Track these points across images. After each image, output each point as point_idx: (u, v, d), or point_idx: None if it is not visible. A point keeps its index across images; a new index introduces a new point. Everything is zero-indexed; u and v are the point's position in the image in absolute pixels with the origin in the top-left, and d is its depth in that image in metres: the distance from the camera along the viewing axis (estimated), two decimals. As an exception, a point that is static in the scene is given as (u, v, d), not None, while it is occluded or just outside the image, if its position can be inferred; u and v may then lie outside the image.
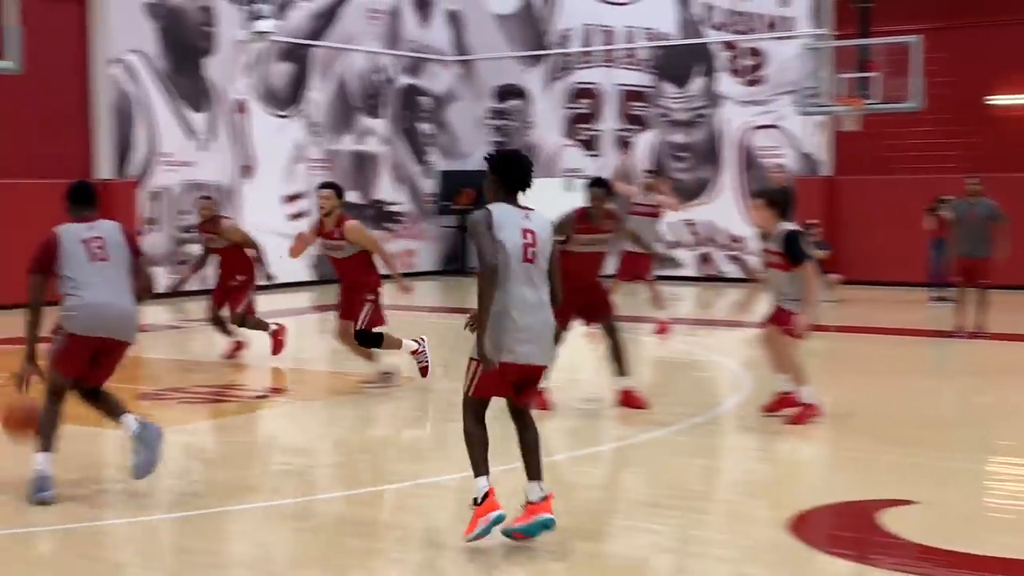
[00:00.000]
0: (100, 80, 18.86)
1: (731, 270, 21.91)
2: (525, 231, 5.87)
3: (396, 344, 10.17)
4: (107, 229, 7.14)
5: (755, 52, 21.72)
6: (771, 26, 21.53)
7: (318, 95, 22.07)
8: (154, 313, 17.50)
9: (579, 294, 9.40)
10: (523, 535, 5.86)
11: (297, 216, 21.56)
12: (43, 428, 6.97)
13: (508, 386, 5.97)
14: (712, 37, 22.03)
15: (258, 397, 10.77)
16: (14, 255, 8.12)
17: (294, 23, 21.54)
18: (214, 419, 9.67)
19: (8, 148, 17.30)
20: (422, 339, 10.03)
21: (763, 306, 9.61)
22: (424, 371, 9.96)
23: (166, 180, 19.56)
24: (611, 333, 9.60)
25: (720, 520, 6.78)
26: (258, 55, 20.88)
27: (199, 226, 12.61)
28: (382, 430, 9.48)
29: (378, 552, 6.06)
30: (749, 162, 21.75)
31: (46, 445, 6.94)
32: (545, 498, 5.91)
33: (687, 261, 21.99)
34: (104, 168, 18.88)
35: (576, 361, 12.57)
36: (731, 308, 10.25)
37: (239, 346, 12.45)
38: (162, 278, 19.35)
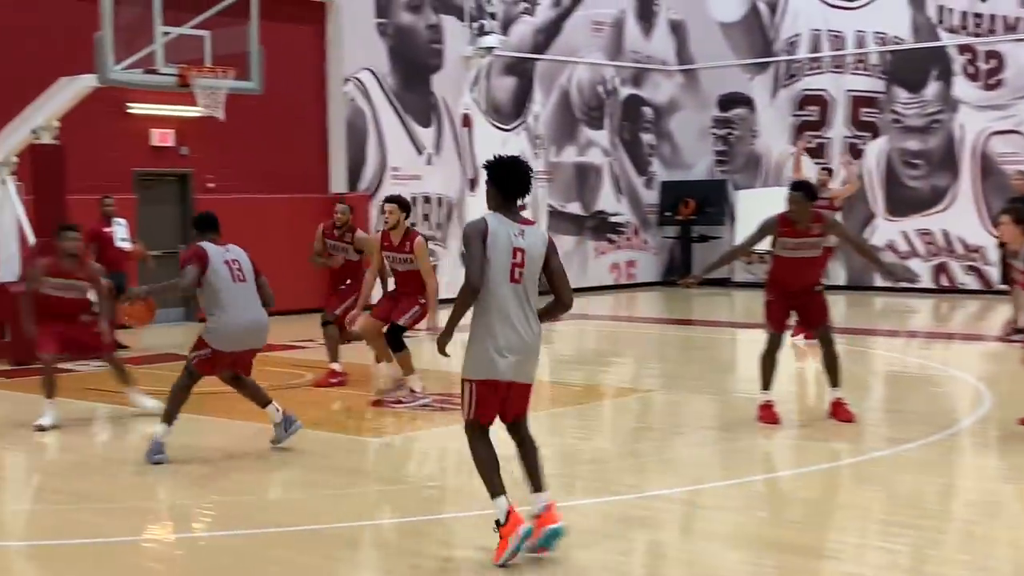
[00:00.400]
0: (335, 98, 19.58)
1: (968, 281, 21.00)
2: (516, 250, 5.84)
3: (409, 368, 10.60)
4: (239, 253, 8.25)
5: (993, 55, 20.79)
6: (1011, 28, 20.57)
7: (541, 108, 22.30)
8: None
9: (792, 299, 9.24)
10: (542, 549, 5.85)
11: (521, 228, 21.78)
12: (170, 403, 8.20)
13: (498, 404, 5.96)
14: (947, 40, 21.21)
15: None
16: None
17: (518, 37, 21.84)
18: (440, 426, 9.87)
19: (250, 164, 18.13)
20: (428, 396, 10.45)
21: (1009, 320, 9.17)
22: (395, 402, 10.38)
23: (396, 193, 20.08)
24: (826, 343, 9.36)
25: (958, 540, 6.50)
26: (483, 70, 21.26)
27: (332, 230, 12.09)
28: (604, 441, 9.47)
29: (601, 564, 6.05)
30: (987, 169, 20.82)
31: (169, 418, 8.17)
32: (548, 507, 5.88)
33: (922, 272, 21.18)
34: (338, 182, 19.57)
35: (805, 373, 12.29)
36: (1001, 326, 9.82)
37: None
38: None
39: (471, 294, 5.80)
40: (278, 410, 8.51)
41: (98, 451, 9.47)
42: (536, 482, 5.99)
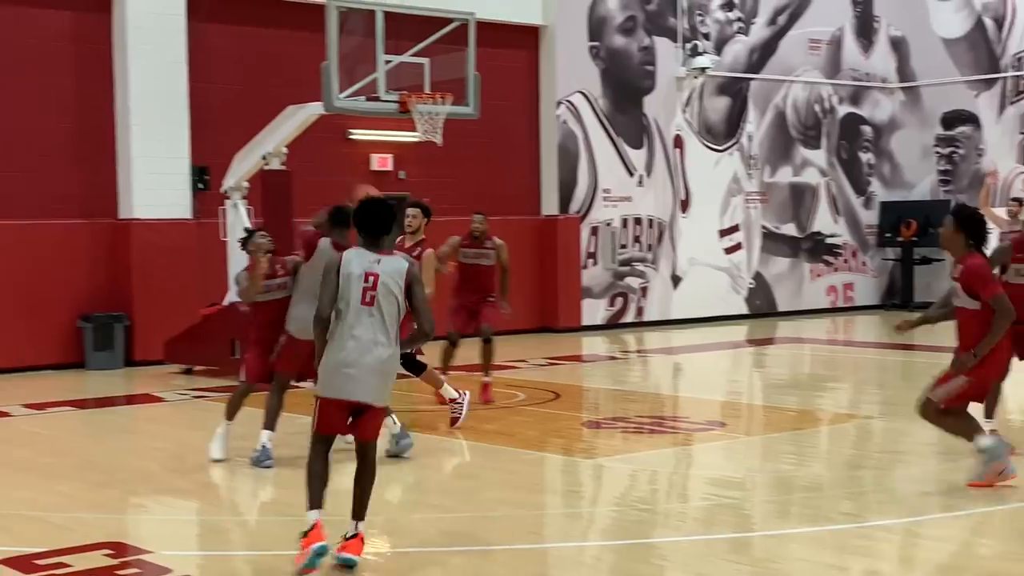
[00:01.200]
0: (547, 121, 19.82)
1: None
2: (368, 274, 6.12)
3: (435, 382, 10.34)
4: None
5: None
6: None
7: (755, 128, 22.03)
8: (593, 344, 18.12)
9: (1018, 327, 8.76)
10: (342, 563, 6.10)
11: (733, 249, 21.59)
12: (269, 412, 8.83)
13: (342, 421, 6.21)
14: None
15: (697, 429, 10.85)
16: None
17: (731, 57, 21.64)
18: (653, 449, 9.84)
19: (465, 187, 18.50)
20: (464, 392, 10.21)
21: None
22: (454, 422, 10.07)
23: (606, 215, 20.19)
24: None
25: None
26: (695, 91, 21.15)
27: (470, 240, 11.91)
28: (820, 468, 9.26)
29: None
30: None
31: (270, 425, 8.87)
32: (356, 536, 6.17)
33: None
34: (550, 204, 19.78)
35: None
36: None
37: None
38: (599, 311, 20.03)
39: (317, 322, 6.20)
40: (395, 422, 8.81)
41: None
42: (357, 509, 6.26)
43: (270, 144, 14.41)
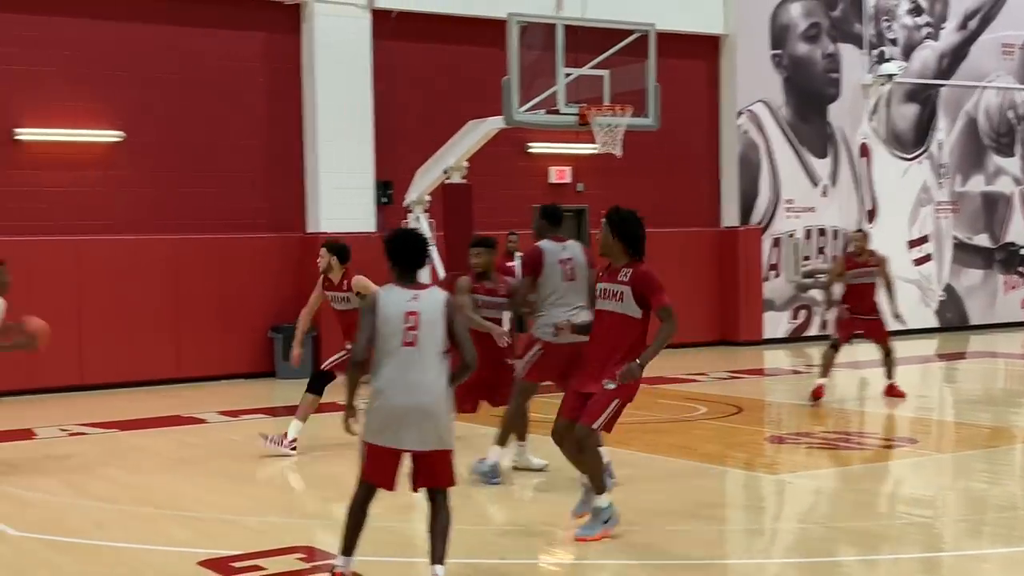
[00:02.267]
0: (728, 131, 19.60)
1: None
2: (408, 314, 5.70)
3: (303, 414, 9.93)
4: (575, 250, 8.35)
5: None
6: None
7: (945, 135, 21.33)
8: (776, 358, 17.81)
9: None
10: None
11: (922, 261, 20.93)
12: (507, 425, 8.40)
13: (390, 470, 5.78)
14: None
15: (885, 445, 10.56)
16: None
17: (920, 63, 21.02)
18: (839, 465, 9.62)
19: (643, 199, 18.33)
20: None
21: None
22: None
23: (788, 226, 19.84)
24: None
25: None
26: (882, 98, 20.61)
27: (854, 258, 12.70)
28: (1016, 486, 8.89)
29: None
30: None
31: (503, 441, 8.54)
32: None
33: None
34: (730, 216, 19.55)
35: None
36: None
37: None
38: (782, 324, 19.68)
39: (353, 367, 5.85)
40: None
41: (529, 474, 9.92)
42: (436, 554, 5.82)
43: (451, 158, 14.66)
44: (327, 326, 15.95)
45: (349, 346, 9.46)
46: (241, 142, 15.98)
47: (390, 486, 5.81)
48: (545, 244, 8.48)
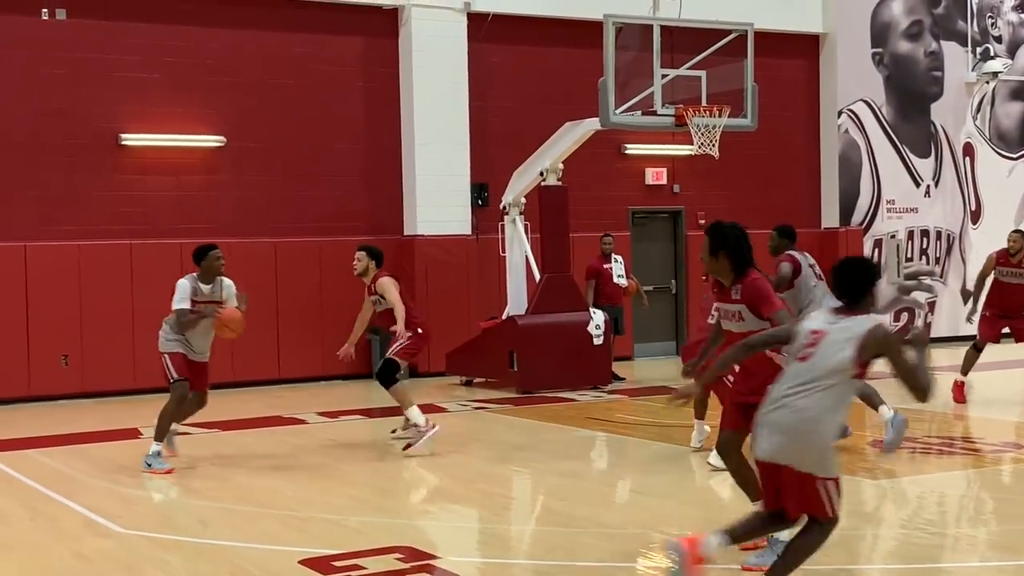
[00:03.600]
0: (828, 131, 19.33)
1: None
2: (812, 331, 5.48)
3: (406, 401, 10.29)
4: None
5: None
6: None
7: (1053, 134, 20.79)
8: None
9: None
10: None
11: None
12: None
13: (768, 486, 5.57)
14: None
15: (992, 450, 10.31)
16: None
17: (1027, 60, 20.53)
18: (944, 471, 9.42)
19: (741, 200, 18.25)
20: (433, 425, 10.23)
21: None
22: (408, 447, 10.13)
23: (890, 227, 19.50)
24: None
25: None
26: (987, 96, 20.16)
27: (1009, 258, 12.48)
28: None
29: None
30: None
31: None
32: None
33: None
34: (830, 216, 19.28)
35: None
36: None
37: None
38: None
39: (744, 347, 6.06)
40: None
41: (594, 476, 9.90)
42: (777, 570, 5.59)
43: (547, 160, 14.67)
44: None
45: (398, 331, 10.10)
46: (340, 146, 16.18)
47: (770, 501, 5.64)
48: (795, 253, 9.99)
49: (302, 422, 12.41)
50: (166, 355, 9.73)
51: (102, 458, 10.37)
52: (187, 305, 9.70)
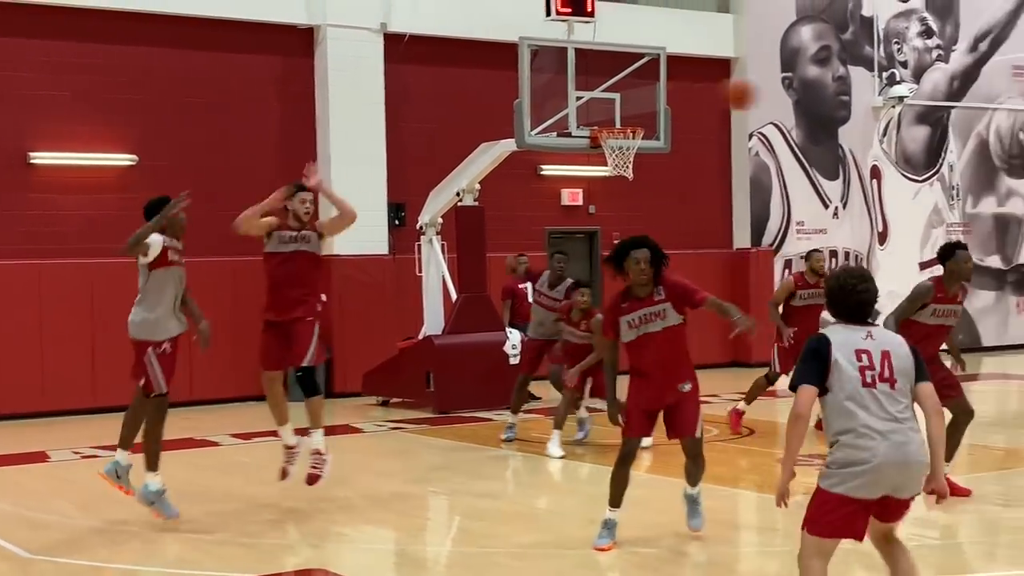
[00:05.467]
0: (739, 153, 19.64)
1: None
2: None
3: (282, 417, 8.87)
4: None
5: None
6: None
7: (956, 157, 21.33)
8: (787, 380, 17.78)
9: None
10: None
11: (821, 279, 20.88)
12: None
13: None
14: None
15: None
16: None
17: (931, 85, 21.04)
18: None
19: (655, 221, 18.39)
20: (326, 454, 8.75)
21: None
22: (283, 473, 8.83)
23: (799, 248, 19.84)
24: None
25: None
26: (893, 120, 20.63)
27: (807, 280, 12.02)
28: (1031, 510, 8.87)
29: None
30: None
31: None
32: None
33: None
34: (742, 237, 19.57)
35: None
36: None
37: None
38: (796, 344, 19.67)
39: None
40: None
41: (510, 496, 9.91)
42: None
43: (464, 181, 14.71)
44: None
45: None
46: (254, 165, 16.05)
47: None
48: None
49: (215, 444, 12.27)
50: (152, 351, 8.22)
51: (8, 481, 10.15)
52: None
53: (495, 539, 7.88)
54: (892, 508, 5.10)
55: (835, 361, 5.04)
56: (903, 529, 5.44)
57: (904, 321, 8.44)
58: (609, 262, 7.33)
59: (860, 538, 5.15)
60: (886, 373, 5.03)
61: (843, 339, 5.10)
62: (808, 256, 12.19)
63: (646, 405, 7.26)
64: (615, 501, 7.35)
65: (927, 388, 5.12)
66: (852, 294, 5.20)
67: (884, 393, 5.01)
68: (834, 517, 5.10)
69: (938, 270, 8.96)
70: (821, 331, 5.21)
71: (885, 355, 5.06)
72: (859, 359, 5.04)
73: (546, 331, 11.77)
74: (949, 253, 8.69)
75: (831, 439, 5.13)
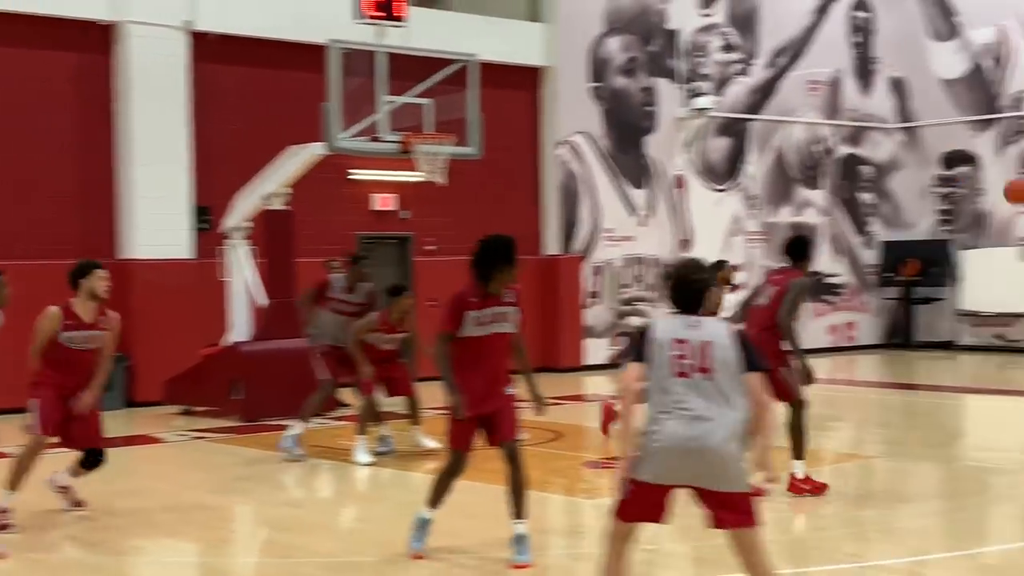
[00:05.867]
0: (549, 161, 19.89)
1: None
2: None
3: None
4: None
5: None
6: None
7: (756, 168, 22.09)
8: (596, 384, 18.08)
9: None
10: None
11: (734, 289, 21.55)
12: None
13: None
14: None
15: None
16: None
17: (732, 98, 21.74)
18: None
19: (467, 227, 18.49)
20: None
21: None
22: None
23: (608, 255, 20.22)
24: None
25: None
26: (696, 131, 21.22)
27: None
28: (825, 508, 9.20)
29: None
30: None
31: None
32: None
33: None
34: (552, 244, 19.81)
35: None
36: None
37: None
38: (602, 351, 20.02)
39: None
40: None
41: (316, 506, 9.78)
42: None
43: (272, 184, 14.47)
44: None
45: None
46: (50, 166, 15.43)
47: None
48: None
49: (2, 455, 11.71)
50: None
51: None
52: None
53: (300, 550, 7.74)
54: (712, 503, 5.17)
55: (654, 348, 5.19)
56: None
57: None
58: (498, 258, 7.26)
59: (659, 521, 5.29)
60: (704, 363, 5.16)
61: (667, 327, 5.27)
62: (719, 265, 12.11)
63: (471, 410, 7.18)
64: (434, 503, 7.32)
65: (752, 379, 5.25)
66: (684, 284, 5.37)
67: (698, 383, 5.14)
68: (631, 500, 5.23)
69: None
70: (650, 320, 5.35)
71: (705, 345, 5.19)
72: (677, 348, 5.18)
73: (338, 337, 11.30)
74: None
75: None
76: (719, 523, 5.22)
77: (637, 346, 5.31)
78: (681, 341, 5.19)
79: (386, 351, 11.02)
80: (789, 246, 9.40)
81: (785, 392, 9.10)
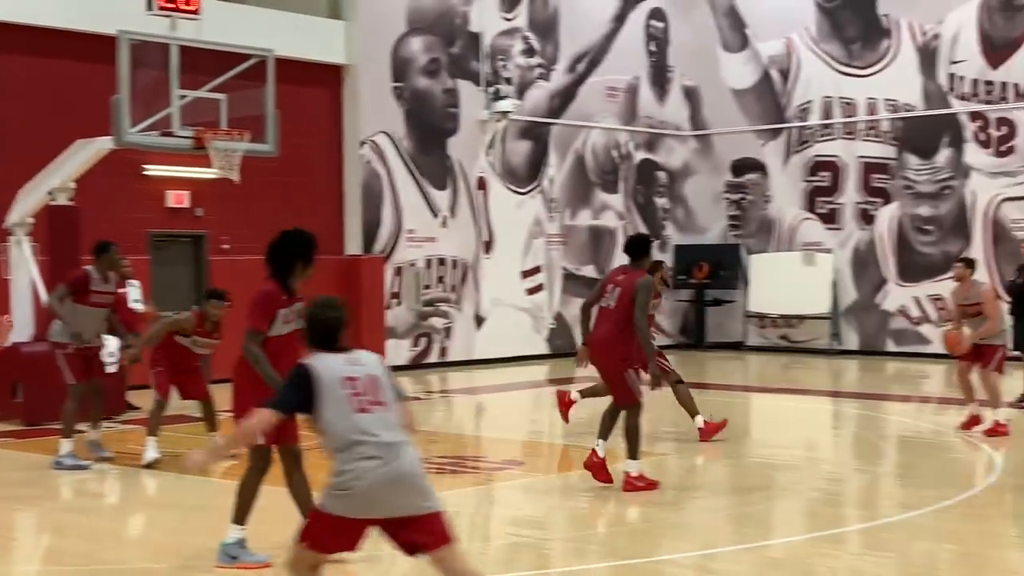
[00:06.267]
0: (351, 160, 19.72)
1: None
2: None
3: None
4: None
5: (1005, 122, 20.85)
6: (1022, 96, 20.63)
7: (556, 171, 22.42)
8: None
9: None
10: None
11: (535, 290, 21.86)
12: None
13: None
14: (959, 107, 21.28)
15: (497, 468, 10.88)
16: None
17: (533, 102, 22.00)
18: (453, 489, 9.80)
19: (266, 226, 18.13)
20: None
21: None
22: None
23: (410, 255, 20.19)
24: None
25: (974, 610, 6.42)
26: (498, 134, 21.40)
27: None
28: (617, 505, 9.40)
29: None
30: (999, 235, 20.80)
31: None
32: None
33: (934, 337, 21.09)
34: (354, 244, 19.65)
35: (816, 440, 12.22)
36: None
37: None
38: (404, 352, 19.99)
39: None
40: None
41: (102, 512, 9.45)
42: None
43: (57, 179, 13.90)
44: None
45: None
46: None
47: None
48: None
49: None
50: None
51: None
52: None
53: (86, 557, 7.45)
54: (410, 529, 5.11)
55: (323, 389, 5.14)
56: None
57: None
58: (297, 253, 7.16)
59: (352, 550, 5.27)
60: (378, 397, 5.20)
61: (330, 367, 5.21)
62: (658, 266, 12.10)
63: None
64: (242, 518, 7.05)
65: (404, 406, 5.35)
66: (325, 323, 5.37)
67: (380, 416, 5.16)
68: (328, 535, 5.18)
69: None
70: (304, 361, 5.26)
71: (373, 379, 5.23)
72: (348, 385, 5.17)
73: (86, 335, 10.75)
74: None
75: (334, 464, 5.15)
76: (421, 548, 5.17)
77: (294, 391, 5.21)
78: (351, 379, 5.19)
79: (186, 353, 10.74)
80: (629, 245, 9.58)
81: (628, 395, 9.29)
